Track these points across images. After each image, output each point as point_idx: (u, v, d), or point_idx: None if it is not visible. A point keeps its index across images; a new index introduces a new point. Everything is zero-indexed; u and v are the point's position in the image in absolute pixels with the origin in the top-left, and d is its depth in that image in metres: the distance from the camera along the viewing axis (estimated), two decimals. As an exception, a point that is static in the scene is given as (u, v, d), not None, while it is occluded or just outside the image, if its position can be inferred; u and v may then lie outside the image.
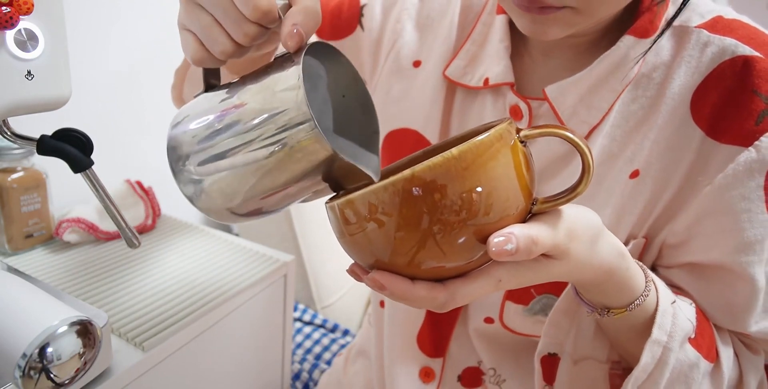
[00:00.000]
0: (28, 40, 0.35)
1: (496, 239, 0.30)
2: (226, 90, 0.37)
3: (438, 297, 0.32)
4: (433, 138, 0.57)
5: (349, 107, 0.42)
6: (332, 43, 0.47)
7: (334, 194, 0.37)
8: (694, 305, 0.47)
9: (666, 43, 0.47)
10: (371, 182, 0.34)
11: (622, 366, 0.51)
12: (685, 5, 0.44)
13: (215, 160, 0.35)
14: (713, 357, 0.46)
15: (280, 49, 0.36)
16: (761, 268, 0.45)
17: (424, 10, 0.59)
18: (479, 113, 0.55)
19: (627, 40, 0.46)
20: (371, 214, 0.30)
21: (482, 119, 0.55)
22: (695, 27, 0.46)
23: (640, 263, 0.43)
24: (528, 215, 0.33)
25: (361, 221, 0.31)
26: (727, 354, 0.47)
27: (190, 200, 0.37)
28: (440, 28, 0.57)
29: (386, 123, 0.60)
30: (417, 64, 0.58)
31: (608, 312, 0.43)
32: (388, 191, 0.29)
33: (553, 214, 0.33)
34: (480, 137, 0.29)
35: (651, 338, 0.42)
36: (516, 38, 0.53)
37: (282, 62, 0.34)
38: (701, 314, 0.47)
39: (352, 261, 0.35)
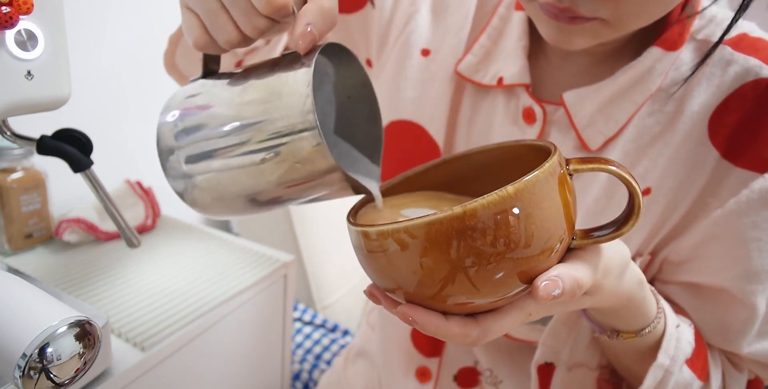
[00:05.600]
0: (27, 40, 0.34)
1: (543, 283, 0.28)
2: (227, 81, 0.34)
3: (471, 333, 0.30)
4: (438, 135, 0.55)
5: (353, 109, 0.40)
6: (339, 17, 0.45)
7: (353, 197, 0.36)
8: (693, 326, 0.47)
9: (687, 56, 0.45)
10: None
11: (609, 370, 0.51)
12: (732, 26, 0.42)
13: (207, 155, 0.33)
14: (705, 376, 0.46)
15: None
16: (764, 296, 0.45)
17: None
18: (489, 113, 0.53)
19: (654, 52, 0.45)
20: (404, 247, 0.28)
21: (492, 119, 0.53)
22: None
23: (652, 289, 0.43)
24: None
25: (391, 253, 0.28)
26: (716, 373, 0.48)
27: (172, 181, 0.35)
28: (455, 17, 0.55)
29: (389, 111, 0.57)
30: (426, 52, 0.55)
31: (618, 335, 0.43)
32: (432, 227, 0.27)
33: (594, 252, 0.32)
34: (536, 173, 0.27)
35: (656, 362, 0.43)
36: (533, 38, 0.51)
37: (291, 61, 0.32)
38: (698, 334, 0.48)
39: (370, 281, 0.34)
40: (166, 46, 0.63)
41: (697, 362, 0.45)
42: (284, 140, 0.30)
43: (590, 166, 0.30)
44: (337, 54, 0.36)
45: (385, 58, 0.58)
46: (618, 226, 0.31)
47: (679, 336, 0.44)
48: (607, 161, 0.30)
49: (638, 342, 0.43)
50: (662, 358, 0.43)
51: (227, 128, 0.32)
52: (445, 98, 0.54)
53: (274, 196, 0.34)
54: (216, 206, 0.35)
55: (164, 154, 0.35)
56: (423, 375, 0.62)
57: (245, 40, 0.33)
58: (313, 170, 0.31)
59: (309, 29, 0.31)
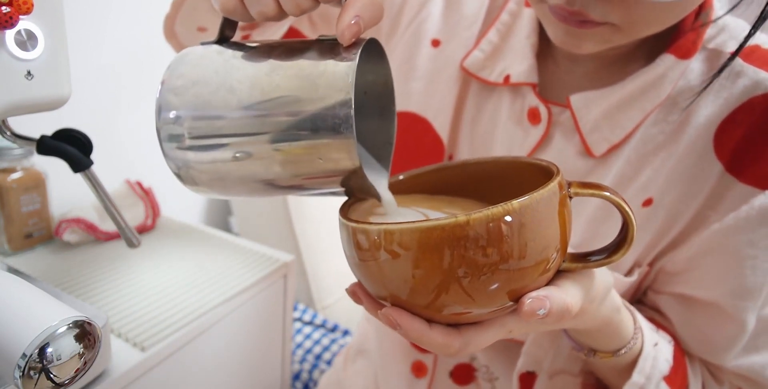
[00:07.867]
0: (27, 40, 0.35)
1: (529, 300, 0.28)
2: (244, 54, 0.31)
3: (453, 344, 0.30)
4: (443, 131, 0.54)
5: (368, 107, 0.38)
6: None
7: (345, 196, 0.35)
8: (673, 342, 0.47)
9: (696, 66, 0.44)
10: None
11: (594, 377, 0.52)
12: (749, 38, 0.40)
13: (218, 134, 0.30)
14: None
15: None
16: (754, 313, 0.45)
17: None
18: (494, 111, 0.52)
19: (666, 60, 0.44)
20: (401, 250, 0.28)
21: (496, 118, 0.52)
22: (731, 53, 0.43)
23: (632, 308, 0.43)
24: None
25: (382, 261, 0.28)
26: (696, 386, 0.47)
27: (170, 158, 0.32)
28: (469, 9, 0.53)
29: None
30: (436, 43, 0.53)
31: (594, 354, 0.44)
32: (433, 233, 0.27)
33: (587, 276, 0.32)
34: (541, 191, 0.28)
35: (630, 381, 0.43)
36: (542, 37, 0.49)
37: (329, 49, 0.30)
38: (678, 350, 0.47)
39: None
40: (168, 10, 0.57)
41: (675, 378, 0.45)
42: (313, 133, 0.29)
43: (590, 191, 0.31)
44: (366, 47, 0.33)
45: (394, 44, 0.56)
46: (609, 253, 0.31)
47: (656, 355, 0.44)
48: (606, 189, 0.31)
49: (615, 361, 0.43)
50: (636, 377, 0.43)
51: (248, 110, 0.29)
52: (451, 92, 0.53)
53: (280, 184, 0.32)
54: (215, 186, 0.33)
55: (165, 125, 0.31)
56: (419, 369, 0.62)
57: (280, 15, 0.31)
58: (332, 168, 0.30)
59: (355, 21, 0.29)
